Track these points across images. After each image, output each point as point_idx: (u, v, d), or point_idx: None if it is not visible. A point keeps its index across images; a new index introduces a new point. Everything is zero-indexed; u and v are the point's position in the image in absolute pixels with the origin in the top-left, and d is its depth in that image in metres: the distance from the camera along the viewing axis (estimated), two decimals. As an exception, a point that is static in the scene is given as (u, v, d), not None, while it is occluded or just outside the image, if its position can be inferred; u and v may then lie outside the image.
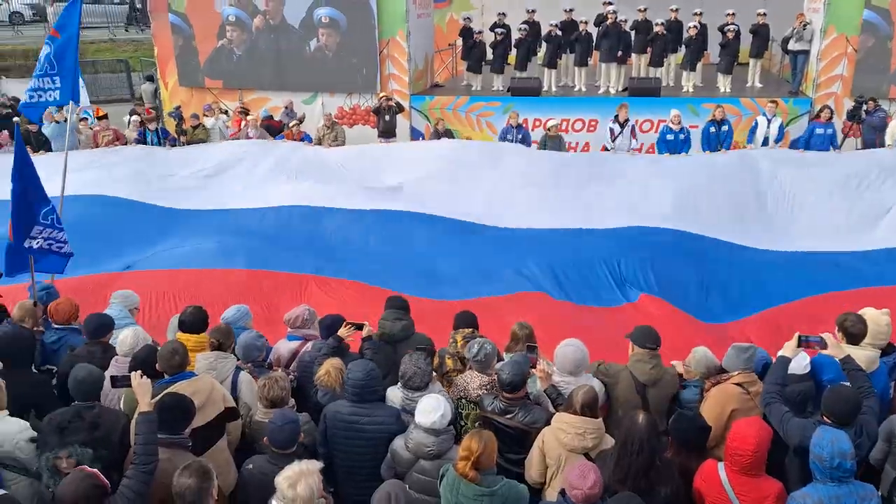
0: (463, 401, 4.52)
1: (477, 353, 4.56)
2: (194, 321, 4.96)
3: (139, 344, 4.72)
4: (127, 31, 30.64)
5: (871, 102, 12.52)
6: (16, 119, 11.15)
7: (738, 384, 4.37)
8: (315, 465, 3.32)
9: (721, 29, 14.81)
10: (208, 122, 13.43)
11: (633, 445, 3.60)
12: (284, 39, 15.87)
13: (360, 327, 5.01)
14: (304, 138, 12.61)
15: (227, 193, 10.03)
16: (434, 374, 4.71)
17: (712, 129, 12.02)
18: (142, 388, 3.85)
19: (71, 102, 7.32)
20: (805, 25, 14.35)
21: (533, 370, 4.49)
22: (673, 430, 4.07)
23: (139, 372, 3.94)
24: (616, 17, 15.08)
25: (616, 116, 12.35)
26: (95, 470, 3.34)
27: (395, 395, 4.50)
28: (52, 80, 7.00)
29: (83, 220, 8.23)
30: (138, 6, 29.90)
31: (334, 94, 15.88)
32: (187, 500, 3.23)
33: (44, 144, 11.96)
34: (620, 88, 15.36)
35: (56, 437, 3.70)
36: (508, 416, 4.24)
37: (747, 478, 3.57)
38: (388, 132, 13.63)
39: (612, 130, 12.40)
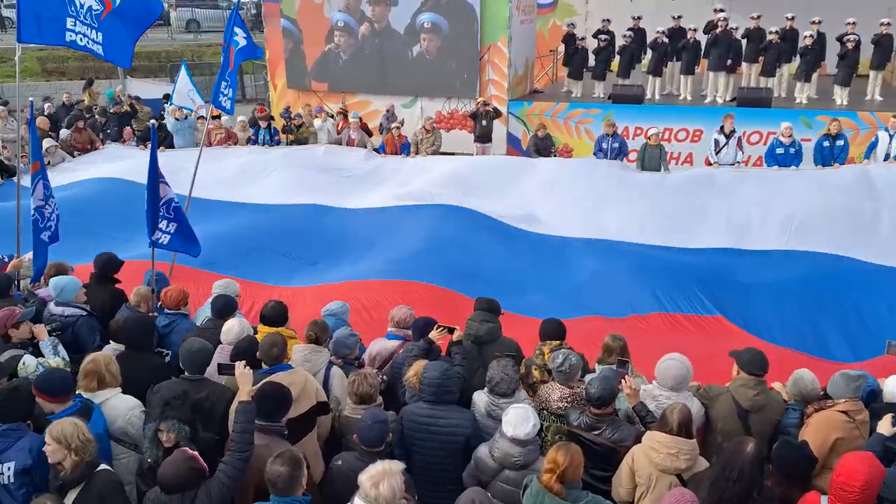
0: (544, 412, 4.48)
1: (561, 364, 4.51)
2: (275, 315, 5.19)
3: (243, 333, 4.94)
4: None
5: None
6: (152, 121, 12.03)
7: (843, 412, 4.15)
8: (398, 466, 3.35)
9: (840, 39, 14.02)
10: (317, 123, 13.94)
11: (732, 472, 3.46)
12: (388, 44, 16.20)
13: (451, 331, 5.06)
14: (404, 146, 12.83)
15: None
16: (520, 382, 4.69)
17: (826, 144, 11.37)
18: (244, 377, 4.03)
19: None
20: None
21: (620, 386, 4.39)
22: (776, 458, 3.86)
23: (244, 362, 4.12)
24: (727, 25, 14.56)
25: (721, 127, 11.90)
26: (195, 453, 3.52)
27: (480, 399, 4.52)
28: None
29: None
30: (253, 12, 31.29)
31: (433, 99, 16.07)
32: (278, 486, 3.35)
33: (165, 140, 12.71)
34: (728, 98, 14.81)
35: (159, 410, 3.91)
36: (595, 431, 4.17)
37: (854, 515, 3.36)
38: (484, 137, 13.69)
39: (716, 142, 11.94)
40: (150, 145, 6.79)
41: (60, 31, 6.42)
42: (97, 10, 6.54)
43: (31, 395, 3.99)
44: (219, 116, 13.74)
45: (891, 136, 11.37)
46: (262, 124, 13.32)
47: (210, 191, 10.19)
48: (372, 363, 5.27)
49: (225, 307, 5.43)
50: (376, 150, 13.03)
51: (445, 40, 15.75)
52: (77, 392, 4.19)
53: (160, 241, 6.60)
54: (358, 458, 3.86)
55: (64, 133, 13.59)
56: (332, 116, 14.21)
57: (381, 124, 14.50)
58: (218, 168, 11.21)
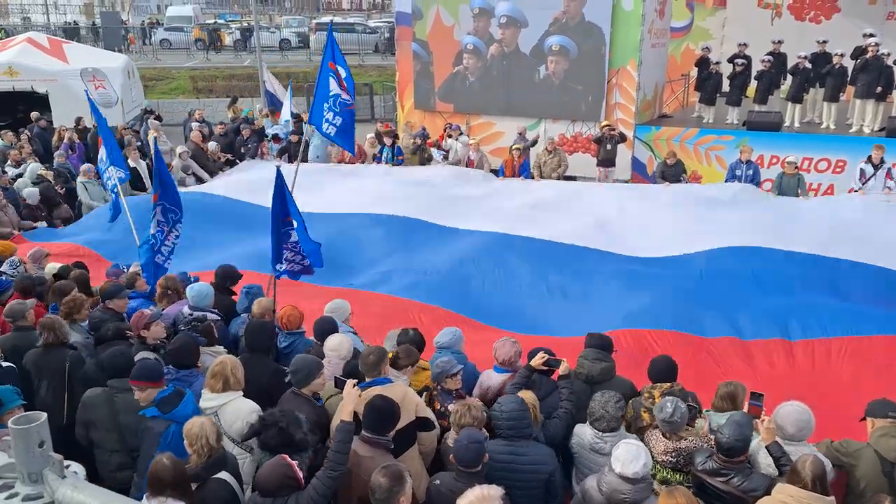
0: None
1: (672, 415, 4.19)
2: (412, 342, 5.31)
3: (352, 349, 5.09)
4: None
5: None
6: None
7: None
8: (498, 492, 3.30)
9: None
10: (449, 141, 14.37)
11: None
12: (514, 66, 16.28)
13: (557, 364, 4.84)
14: (523, 168, 12.82)
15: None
16: (624, 421, 4.49)
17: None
18: (350, 396, 4.05)
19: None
20: None
21: (757, 421, 4.10)
22: None
23: (355, 381, 4.19)
24: (878, 50, 13.57)
25: (869, 157, 11.08)
26: (293, 462, 3.60)
27: (583, 431, 4.39)
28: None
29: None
30: (387, 35, 32.50)
31: (557, 121, 15.99)
32: (377, 497, 3.40)
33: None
34: (877, 128, 13.76)
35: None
36: (722, 478, 3.92)
37: None
38: (607, 161, 13.46)
39: (863, 171, 11.15)
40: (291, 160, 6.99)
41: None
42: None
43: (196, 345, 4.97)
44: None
45: None
46: (387, 141, 13.74)
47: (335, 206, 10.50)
48: (483, 397, 5.12)
49: (326, 330, 5.46)
50: (495, 172, 13.11)
51: (572, 63, 15.64)
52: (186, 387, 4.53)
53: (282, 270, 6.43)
54: (455, 479, 3.83)
55: (212, 145, 14.61)
56: (463, 134, 14.57)
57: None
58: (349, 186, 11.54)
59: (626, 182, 13.89)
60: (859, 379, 5.97)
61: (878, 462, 3.99)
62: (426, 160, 14.21)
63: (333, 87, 7.06)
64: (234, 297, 6.54)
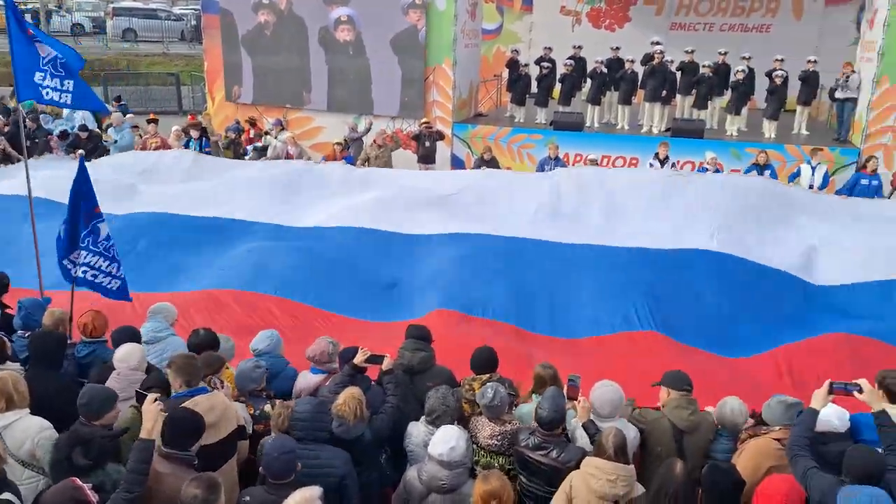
0: (474, 446, 4.33)
1: (492, 399, 4.31)
2: (202, 344, 4.98)
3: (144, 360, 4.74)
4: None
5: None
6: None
7: (777, 439, 4.16)
8: (317, 491, 3.24)
9: (769, 74, 14.63)
10: (268, 138, 13.91)
11: (667, 496, 3.46)
12: (332, 60, 16.16)
13: (379, 360, 4.76)
14: (347, 160, 12.72)
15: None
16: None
17: (754, 174, 11.82)
18: (150, 413, 3.71)
19: None
20: (848, 76, 14.15)
21: (574, 401, 4.35)
22: (705, 482, 3.84)
23: (155, 396, 3.85)
24: (663, 58, 15.01)
25: (656, 153, 12.25)
26: (84, 485, 3.29)
27: (417, 429, 4.39)
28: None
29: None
30: (193, 23, 30.77)
31: (378, 118, 16.04)
32: None
33: (96, 150, 12.30)
34: (663, 128, 15.23)
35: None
36: (542, 452, 4.11)
37: (773, 537, 3.39)
38: (427, 158, 13.71)
39: (651, 167, 12.29)
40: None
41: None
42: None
43: None
44: (156, 121, 13.39)
45: (813, 169, 11.92)
46: (194, 134, 12.97)
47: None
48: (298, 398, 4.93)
49: (127, 340, 5.01)
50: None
51: (390, 60, 15.77)
52: None
53: (106, 286, 5.89)
54: (267, 492, 3.64)
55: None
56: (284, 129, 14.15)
57: (345, 139, 14.32)
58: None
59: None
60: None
61: (670, 429, 4.38)
62: (240, 156, 13.64)
63: (46, 51, 6.14)
64: (9, 311, 5.79)
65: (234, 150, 13.69)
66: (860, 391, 3.94)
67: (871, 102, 13.80)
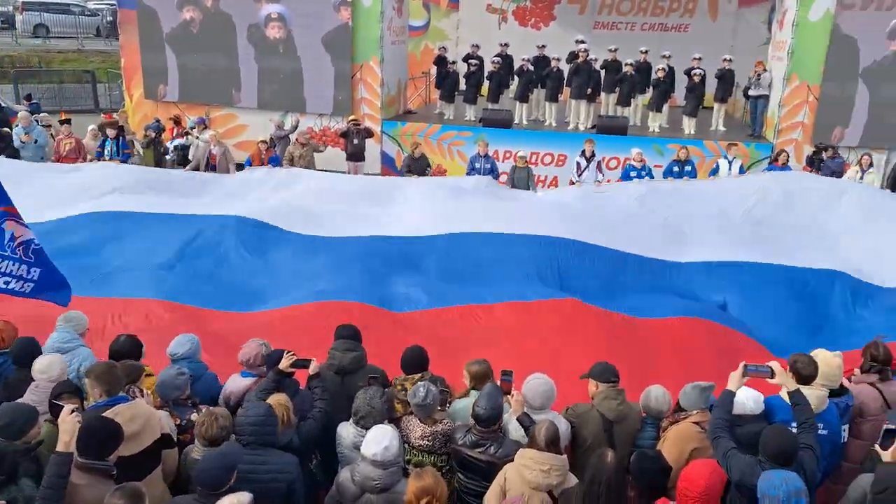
0: (406, 446, 4.30)
1: (425, 398, 4.27)
2: (123, 350, 4.80)
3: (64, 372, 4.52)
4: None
5: (829, 150, 12.87)
6: None
7: (696, 423, 4.33)
8: (245, 498, 3.19)
9: (688, 73, 15.14)
10: (190, 138, 13.47)
11: (599, 485, 3.51)
12: (262, 58, 15.86)
13: (305, 364, 4.63)
14: (272, 160, 12.44)
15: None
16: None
17: (675, 169, 12.20)
18: (66, 424, 3.56)
19: None
20: (760, 74, 14.84)
21: (508, 396, 4.36)
22: (634, 470, 3.99)
23: (72, 407, 3.69)
24: (587, 56, 15.32)
25: (583, 151, 12.49)
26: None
27: (346, 431, 4.32)
28: None
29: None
30: (110, 18, 29.60)
31: (305, 115, 15.81)
32: None
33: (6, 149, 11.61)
34: (589, 125, 15.55)
35: None
36: (480, 448, 4.12)
37: (696, 520, 3.51)
38: (356, 155, 13.56)
39: (578, 164, 12.51)
40: None
41: None
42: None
43: None
44: (68, 121, 12.79)
45: (730, 163, 12.40)
46: (111, 133, 12.42)
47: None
48: (226, 403, 4.82)
49: (28, 354, 4.74)
50: (240, 166, 12.56)
51: (318, 57, 15.56)
52: None
53: (19, 290, 5.62)
54: (196, 500, 3.53)
55: None
56: (207, 128, 13.75)
57: (271, 138, 13.98)
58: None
59: (377, 176, 14.14)
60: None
61: (600, 421, 4.47)
62: (161, 155, 13.18)
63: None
64: None
65: (155, 149, 13.21)
66: (772, 375, 4.16)
67: (782, 99, 14.47)
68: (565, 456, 3.91)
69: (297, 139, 12.84)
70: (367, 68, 15.49)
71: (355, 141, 13.41)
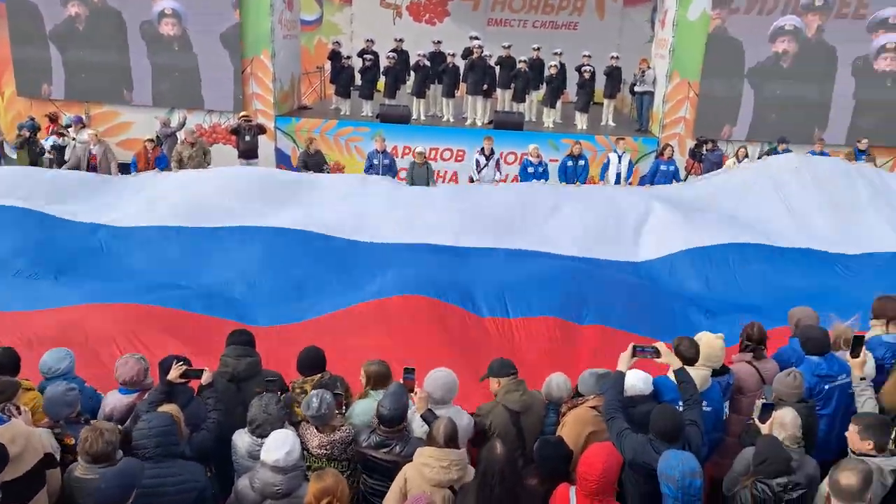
0: (305, 453, 4.16)
1: (319, 408, 4.15)
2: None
3: None
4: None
5: (709, 143, 13.63)
6: None
7: (593, 407, 4.47)
8: None
9: (578, 69, 15.63)
10: (66, 139, 12.63)
11: (492, 477, 3.54)
12: (155, 55, 15.18)
13: (198, 374, 4.44)
14: (159, 160, 11.88)
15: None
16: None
17: (569, 164, 12.59)
18: None
19: None
20: (644, 71, 15.55)
21: (411, 393, 4.33)
22: (537, 457, 4.07)
23: None
24: (482, 52, 15.50)
25: (482, 148, 12.64)
26: None
27: (241, 440, 4.18)
28: None
29: None
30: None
31: (193, 112, 15.20)
32: None
33: None
34: (486, 121, 15.76)
35: None
36: (385, 449, 4.08)
37: (595, 502, 3.60)
38: (248, 153, 13.13)
39: (477, 162, 12.67)
40: None
41: None
42: None
43: None
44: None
45: (619, 157, 12.93)
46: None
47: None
48: (108, 419, 4.44)
49: None
50: (125, 167, 11.96)
51: (207, 52, 15.02)
52: None
53: None
54: None
55: None
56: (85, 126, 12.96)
57: (157, 136, 13.31)
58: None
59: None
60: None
61: (507, 414, 4.52)
62: (37, 155, 12.33)
63: None
64: None
65: (30, 149, 12.33)
66: (658, 354, 4.38)
67: (665, 95, 15.18)
68: (464, 450, 3.93)
69: (185, 139, 12.32)
70: (258, 63, 15.07)
71: (247, 138, 12.99)
